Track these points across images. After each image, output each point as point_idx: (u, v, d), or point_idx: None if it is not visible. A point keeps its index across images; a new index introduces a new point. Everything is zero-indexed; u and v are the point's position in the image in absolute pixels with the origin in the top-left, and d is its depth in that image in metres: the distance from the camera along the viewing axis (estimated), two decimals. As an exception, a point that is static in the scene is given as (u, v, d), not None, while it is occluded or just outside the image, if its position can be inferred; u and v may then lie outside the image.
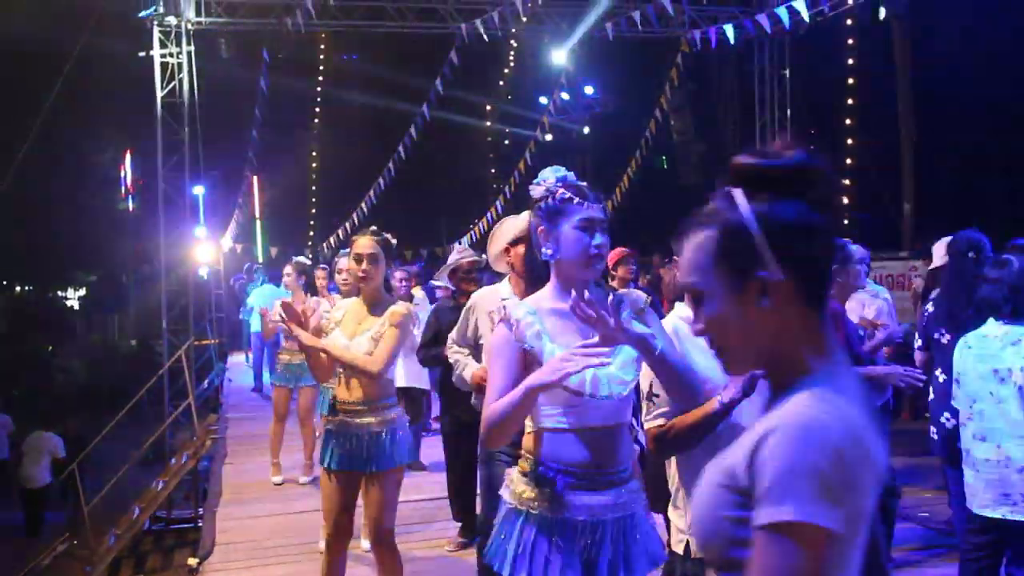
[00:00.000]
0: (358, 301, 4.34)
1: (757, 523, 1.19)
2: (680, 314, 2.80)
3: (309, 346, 4.12)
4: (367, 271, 4.19)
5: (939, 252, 5.48)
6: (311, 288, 7.83)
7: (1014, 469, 3.65)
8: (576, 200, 2.49)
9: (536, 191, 2.58)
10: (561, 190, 2.51)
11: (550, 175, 2.57)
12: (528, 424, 2.53)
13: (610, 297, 2.49)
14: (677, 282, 3.60)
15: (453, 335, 4.44)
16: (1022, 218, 11.25)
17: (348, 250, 4.46)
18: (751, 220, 1.30)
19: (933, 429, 4.73)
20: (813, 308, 1.32)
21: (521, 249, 3.96)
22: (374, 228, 4.35)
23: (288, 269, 7.82)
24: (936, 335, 4.81)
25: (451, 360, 4.42)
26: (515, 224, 4.02)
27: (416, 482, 7.33)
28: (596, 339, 2.32)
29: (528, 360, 2.44)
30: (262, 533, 6.44)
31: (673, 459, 2.74)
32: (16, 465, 13.81)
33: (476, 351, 4.27)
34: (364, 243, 4.23)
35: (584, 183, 2.58)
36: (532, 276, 2.69)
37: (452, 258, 5.77)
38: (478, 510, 4.56)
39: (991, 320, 3.80)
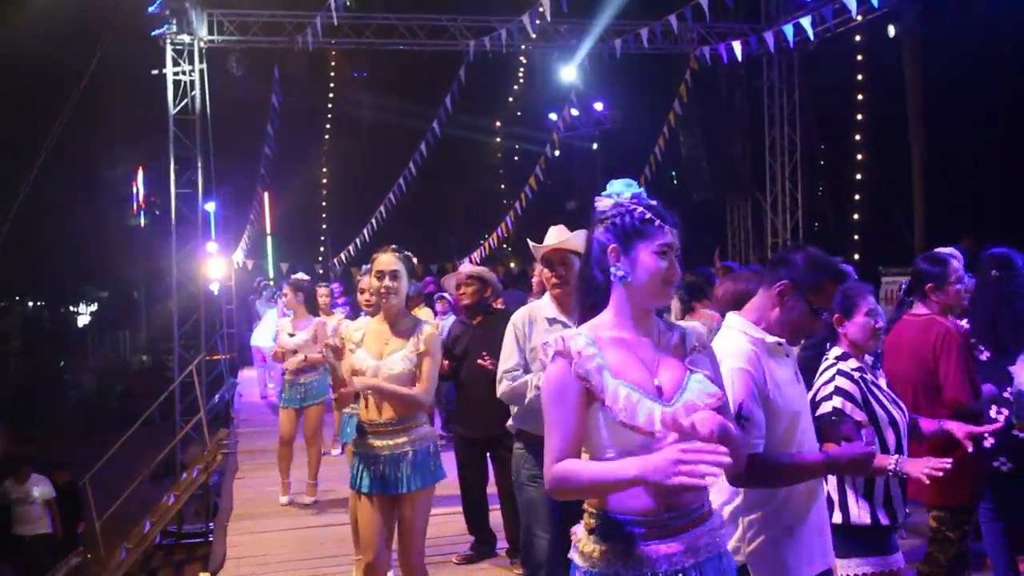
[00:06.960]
0: (378, 320, 4.27)
1: None
2: (733, 324, 2.83)
3: (363, 387, 4.04)
4: (389, 288, 4.13)
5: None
6: (311, 306, 7.66)
7: None
8: (657, 222, 2.31)
9: (604, 204, 2.38)
10: (640, 209, 2.33)
11: (623, 190, 2.38)
12: None
13: (680, 334, 2.37)
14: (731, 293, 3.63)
15: (507, 366, 4.28)
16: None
17: (369, 267, 4.35)
18: None
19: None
20: None
21: (547, 271, 4.15)
22: (395, 246, 4.25)
23: (286, 289, 7.78)
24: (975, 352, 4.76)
25: (520, 391, 4.25)
26: (542, 246, 4.23)
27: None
28: (704, 434, 2.07)
29: (590, 398, 2.21)
30: (273, 548, 6.44)
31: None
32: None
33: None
34: (386, 259, 4.16)
35: (658, 202, 2.38)
36: (586, 297, 2.41)
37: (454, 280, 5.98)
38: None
39: None
